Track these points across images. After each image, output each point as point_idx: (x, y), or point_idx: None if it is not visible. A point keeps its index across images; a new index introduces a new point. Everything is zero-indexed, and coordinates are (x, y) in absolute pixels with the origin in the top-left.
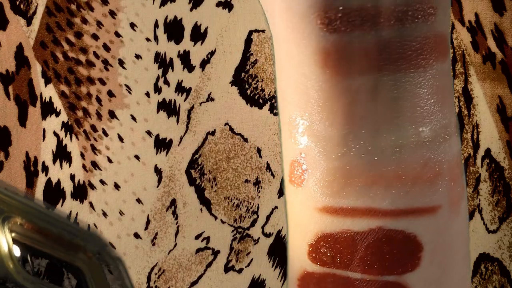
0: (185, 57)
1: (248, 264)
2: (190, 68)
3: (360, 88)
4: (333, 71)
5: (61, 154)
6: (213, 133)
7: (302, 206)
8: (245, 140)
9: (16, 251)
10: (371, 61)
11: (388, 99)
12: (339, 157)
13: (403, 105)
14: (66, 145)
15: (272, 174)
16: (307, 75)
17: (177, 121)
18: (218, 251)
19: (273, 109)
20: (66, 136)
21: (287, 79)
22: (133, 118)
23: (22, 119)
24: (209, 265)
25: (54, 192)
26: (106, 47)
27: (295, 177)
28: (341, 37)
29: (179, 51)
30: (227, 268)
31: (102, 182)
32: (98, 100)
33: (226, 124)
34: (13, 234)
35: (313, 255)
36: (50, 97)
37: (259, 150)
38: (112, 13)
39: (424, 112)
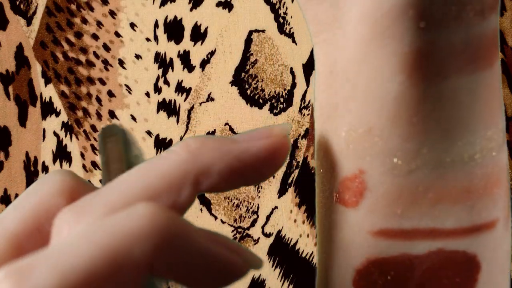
0: (185, 57)
1: None
2: (190, 68)
3: (443, 93)
4: (420, 76)
5: (61, 154)
6: (213, 133)
7: (353, 228)
8: None
9: None
10: (457, 62)
11: (465, 102)
12: (408, 174)
13: (477, 108)
14: (66, 145)
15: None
16: (387, 82)
17: (177, 121)
18: None
19: (273, 109)
20: (66, 136)
21: (355, 90)
22: (133, 118)
23: (22, 119)
24: None
25: None
26: (106, 47)
27: (349, 196)
28: (436, 35)
29: (179, 51)
30: None
31: (102, 182)
32: (98, 100)
33: (226, 124)
34: None
35: (361, 282)
36: (50, 97)
37: None
38: (112, 13)
39: (492, 113)
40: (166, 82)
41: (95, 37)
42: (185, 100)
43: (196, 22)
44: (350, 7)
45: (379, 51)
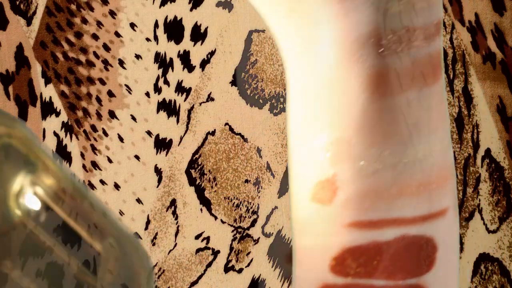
0: (185, 57)
1: (248, 264)
2: (190, 68)
3: (399, 105)
4: (381, 93)
5: (61, 154)
6: (213, 133)
7: (328, 222)
8: (245, 140)
9: (33, 204)
10: (410, 79)
11: (418, 113)
12: (373, 174)
13: (428, 117)
14: (66, 145)
15: (272, 174)
16: (353, 98)
17: (177, 121)
18: (218, 251)
19: (273, 109)
20: (66, 136)
21: (325, 107)
22: (133, 118)
23: (22, 119)
24: (209, 265)
25: None
26: (106, 47)
27: (323, 195)
28: (392, 59)
29: (179, 51)
30: (227, 268)
31: (102, 182)
32: (98, 100)
33: (226, 124)
34: (37, 189)
35: (337, 268)
36: (50, 97)
37: (259, 150)
38: (112, 13)
39: (440, 120)
40: (166, 82)
41: (95, 37)
42: (185, 100)
43: (196, 22)
44: (318, 37)
45: (347, 73)
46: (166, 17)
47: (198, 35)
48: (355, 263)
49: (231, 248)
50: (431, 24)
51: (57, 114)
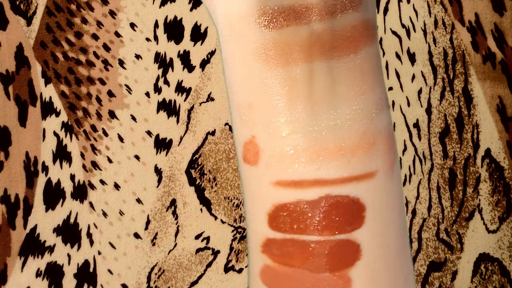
0: (185, 57)
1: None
2: (190, 68)
3: (298, 76)
4: (273, 64)
5: (61, 154)
6: (213, 133)
7: (258, 181)
8: None
9: None
10: (305, 51)
11: (323, 84)
12: (287, 137)
13: (337, 88)
14: (66, 145)
15: None
16: (250, 69)
17: (177, 121)
18: (218, 251)
19: None
20: (66, 136)
21: (232, 71)
22: (133, 118)
23: (22, 119)
24: (209, 265)
25: (54, 192)
26: (106, 47)
27: (250, 156)
28: (277, 34)
29: (179, 51)
30: (227, 268)
31: (102, 182)
32: (98, 100)
33: (226, 124)
34: None
35: (273, 224)
36: (50, 97)
37: None
38: (112, 13)
39: (357, 92)
40: (166, 82)
41: (95, 37)
42: (185, 100)
43: (196, 22)
44: (217, 14)
45: (237, 45)
46: (166, 17)
47: (198, 35)
48: (288, 220)
49: (231, 248)
50: (317, 2)
51: (57, 114)
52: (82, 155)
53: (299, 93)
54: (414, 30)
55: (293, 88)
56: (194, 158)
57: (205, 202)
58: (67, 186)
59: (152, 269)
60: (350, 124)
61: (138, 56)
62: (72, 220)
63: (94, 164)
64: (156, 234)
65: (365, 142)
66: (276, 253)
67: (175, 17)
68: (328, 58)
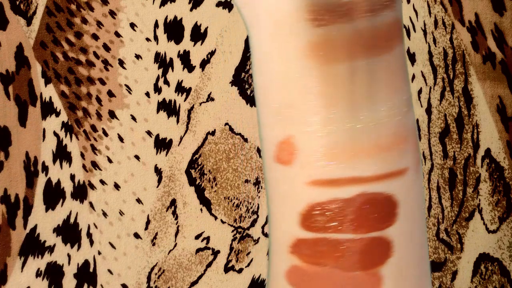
0: (185, 57)
1: (248, 264)
2: (190, 68)
3: (341, 73)
4: (319, 61)
5: (61, 154)
6: (213, 133)
7: (292, 181)
8: (245, 140)
9: None
10: (349, 49)
11: (363, 82)
12: (325, 136)
13: (376, 85)
14: (66, 145)
15: None
16: (295, 67)
17: (177, 121)
18: (218, 251)
19: None
20: (66, 136)
21: (271, 70)
22: (133, 118)
23: (22, 119)
24: (209, 265)
25: (54, 192)
26: (106, 47)
27: (284, 156)
28: (324, 31)
29: (179, 51)
30: (227, 268)
31: (102, 182)
32: (98, 100)
33: (226, 124)
34: None
35: (306, 223)
36: (50, 97)
37: (259, 150)
38: (112, 13)
39: (392, 89)
40: (166, 82)
41: (95, 37)
42: (185, 100)
43: (196, 22)
44: (259, 11)
45: (284, 44)
46: (166, 17)
47: (198, 35)
48: (321, 219)
49: (231, 248)
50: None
51: (57, 114)
52: (82, 155)
53: (341, 92)
54: (414, 30)
55: (335, 87)
56: (194, 158)
57: (205, 202)
58: (67, 186)
59: (152, 269)
60: (386, 121)
61: (138, 56)
62: (72, 220)
63: (94, 164)
64: (156, 234)
65: (398, 139)
66: (307, 253)
67: (175, 17)
68: (368, 56)
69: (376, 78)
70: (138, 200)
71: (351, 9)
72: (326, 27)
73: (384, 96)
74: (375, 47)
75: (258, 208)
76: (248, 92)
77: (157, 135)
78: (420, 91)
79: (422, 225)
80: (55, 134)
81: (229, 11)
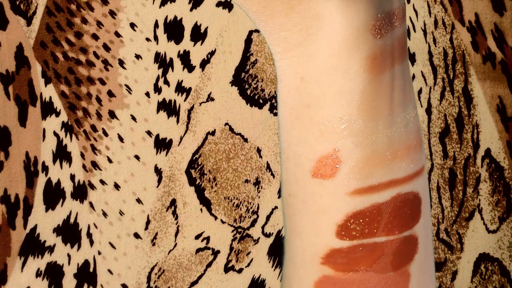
0: (185, 57)
1: (248, 264)
2: (190, 68)
3: (386, 81)
4: (376, 71)
5: (61, 154)
6: (213, 133)
7: (332, 194)
8: (245, 140)
9: None
10: (392, 57)
11: (399, 87)
12: (370, 144)
13: (406, 89)
14: (66, 145)
15: (272, 174)
16: (355, 83)
17: (177, 121)
18: (218, 251)
19: (273, 109)
20: (66, 136)
21: (326, 91)
22: (133, 118)
23: (22, 119)
24: (209, 265)
25: (54, 192)
26: (106, 47)
27: (326, 171)
28: (382, 41)
29: (179, 51)
30: (227, 268)
31: (102, 182)
32: (98, 100)
33: (226, 124)
34: None
35: (342, 233)
36: (50, 97)
37: (259, 150)
38: (112, 13)
39: (412, 90)
40: (166, 82)
41: (95, 37)
42: (185, 100)
43: (196, 22)
44: (320, 29)
45: (348, 58)
46: (166, 17)
47: (198, 35)
48: (359, 226)
49: (231, 248)
50: (400, 6)
51: (57, 114)
52: (82, 155)
53: (385, 100)
54: (414, 30)
55: (382, 96)
56: (194, 158)
57: (205, 202)
58: (67, 186)
59: (152, 269)
60: (413, 121)
61: (138, 56)
62: (72, 220)
63: (94, 164)
64: (156, 234)
65: (419, 138)
66: (341, 262)
67: (175, 17)
68: (401, 61)
69: (406, 82)
70: (138, 200)
71: (396, 18)
72: (383, 38)
73: (411, 98)
74: (403, 51)
75: (258, 208)
76: (248, 92)
77: (157, 135)
78: (420, 91)
79: (430, 217)
80: (55, 134)
81: (229, 11)
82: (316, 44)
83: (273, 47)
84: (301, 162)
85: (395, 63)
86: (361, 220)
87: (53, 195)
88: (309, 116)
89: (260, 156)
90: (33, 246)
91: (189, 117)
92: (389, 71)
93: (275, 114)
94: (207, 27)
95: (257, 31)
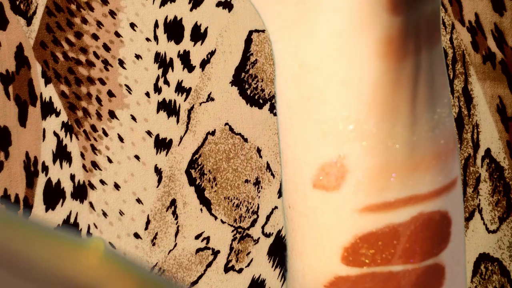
0: (185, 57)
1: (248, 264)
2: (190, 68)
3: (408, 72)
4: (393, 59)
5: (61, 154)
6: (213, 133)
7: (336, 210)
8: (245, 140)
9: None
10: (416, 41)
11: (426, 79)
12: (385, 151)
13: (435, 81)
14: (66, 145)
15: (272, 174)
16: (364, 71)
17: (177, 121)
18: (218, 251)
19: (273, 109)
20: (66, 136)
21: (329, 81)
22: (133, 118)
23: (22, 119)
24: (209, 265)
25: (54, 192)
26: (106, 47)
27: (330, 181)
28: (403, 19)
29: (179, 51)
30: (227, 268)
31: (102, 182)
32: (98, 100)
33: (226, 124)
34: None
35: (350, 258)
36: (50, 97)
37: (259, 150)
38: (112, 13)
39: (445, 84)
40: (166, 82)
41: (95, 37)
42: (185, 100)
43: (196, 22)
44: (319, 2)
45: (354, 40)
46: (166, 17)
47: (198, 35)
48: (370, 251)
49: (231, 248)
50: None
51: (57, 114)
52: (82, 155)
53: (405, 96)
54: None
55: (403, 89)
56: (194, 158)
57: (205, 202)
58: (67, 186)
59: (152, 269)
60: (443, 123)
61: (138, 56)
62: (72, 220)
63: (94, 164)
64: (156, 234)
65: (452, 143)
66: None
67: (175, 17)
68: (430, 46)
69: (436, 74)
70: (138, 200)
71: None
72: (402, 16)
73: (439, 96)
74: (433, 35)
75: (258, 208)
76: (248, 92)
77: (157, 135)
78: None
79: (464, 242)
80: (55, 134)
81: (229, 11)
82: (315, 21)
83: (267, 25)
84: (300, 167)
85: (422, 49)
86: (373, 244)
87: (53, 195)
88: (309, 111)
89: (260, 156)
90: None
91: (189, 117)
92: (411, 59)
93: (275, 114)
94: (207, 27)
95: (257, 31)
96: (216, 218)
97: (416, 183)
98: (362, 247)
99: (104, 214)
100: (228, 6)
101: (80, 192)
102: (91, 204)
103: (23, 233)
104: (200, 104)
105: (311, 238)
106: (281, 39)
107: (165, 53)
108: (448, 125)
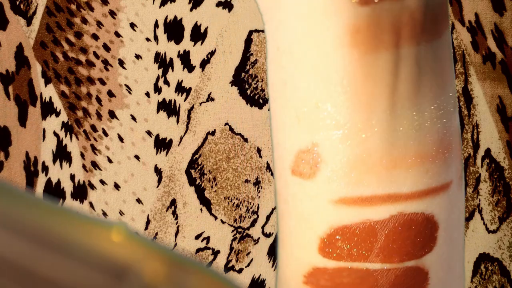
0: (185, 57)
1: (248, 264)
2: (190, 68)
3: (384, 64)
4: (361, 50)
5: (61, 154)
6: (213, 133)
7: (312, 199)
8: (245, 140)
9: None
10: (395, 35)
11: (409, 75)
12: (360, 143)
13: (423, 80)
14: (66, 145)
15: (272, 174)
16: (330, 59)
17: (177, 121)
18: (218, 251)
19: None
20: (66, 136)
21: (299, 64)
22: (133, 118)
23: (22, 119)
24: (209, 265)
25: (54, 192)
26: (106, 47)
27: (304, 168)
28: (372, 10)
29: (179, 51)
30: (227, 268)
31: (102, 182)
32: (98, 100)
33: (226, 124)
34: None
35: (327, 249)
36: (50, 97)
37: (259, 150)
38: (112, 13)
39: (440, 84)
40: (166, 82)
41: (95, 37)
42: (185, 100)
43: (196, 22)
44: None
45: (319, 26)
46: (166, 17)
47: (198, 35)
48: (346, 245)
49: (231, 248)
50: None
51: (57, 114)
52: (82, 155)
53: (382, 88)
54: None
55: (376, 82)
56: (194, 158)
57: (205, 202)
58: (67, 186)
59: None
60: (431, 125)
61: (138, 56)
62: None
63: (94, 164)
64: (156, 234)
65: (444, 146)
66: (325, 285)
67: (175, 17)
68: (417, 42)
69: (424, 71)
70: (138, 200)
71: None
72: (374, 6)
73: (430, 94)
74: (425, 31)
75: (258, 208)
76: (248, 92)
77: (157, 135)
78: None
79: (460, 250)
80: (55, 134)
81: (229, 11)
82: (286, 4)
83: (259, 5)
84: (281, 154)
85: (402, 44)
86: (349, 238)
87: (53, 195)
88: (286, 96)
89: (260, 156)
90: None
91: (189, 117)
92: (388, 52)
93: None
94: (207, 27)
95: (257, 31)
96: (216, 218)
97: (396, 181)
98: (339, 240)
99: (104, 214)
100: (228, 6)
101: (80, 192)
102: (91, 204)
103: (60, 217)
104: (200, 104)
105: (292, 226)
106: (266, 20)
107: (165, 53)
108: (439, 127)
